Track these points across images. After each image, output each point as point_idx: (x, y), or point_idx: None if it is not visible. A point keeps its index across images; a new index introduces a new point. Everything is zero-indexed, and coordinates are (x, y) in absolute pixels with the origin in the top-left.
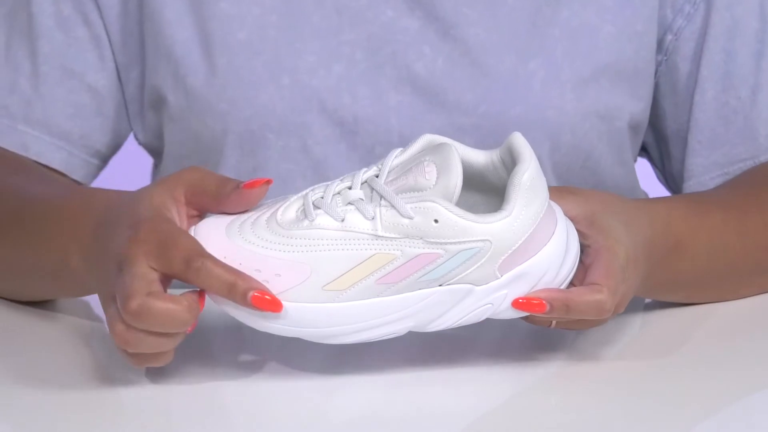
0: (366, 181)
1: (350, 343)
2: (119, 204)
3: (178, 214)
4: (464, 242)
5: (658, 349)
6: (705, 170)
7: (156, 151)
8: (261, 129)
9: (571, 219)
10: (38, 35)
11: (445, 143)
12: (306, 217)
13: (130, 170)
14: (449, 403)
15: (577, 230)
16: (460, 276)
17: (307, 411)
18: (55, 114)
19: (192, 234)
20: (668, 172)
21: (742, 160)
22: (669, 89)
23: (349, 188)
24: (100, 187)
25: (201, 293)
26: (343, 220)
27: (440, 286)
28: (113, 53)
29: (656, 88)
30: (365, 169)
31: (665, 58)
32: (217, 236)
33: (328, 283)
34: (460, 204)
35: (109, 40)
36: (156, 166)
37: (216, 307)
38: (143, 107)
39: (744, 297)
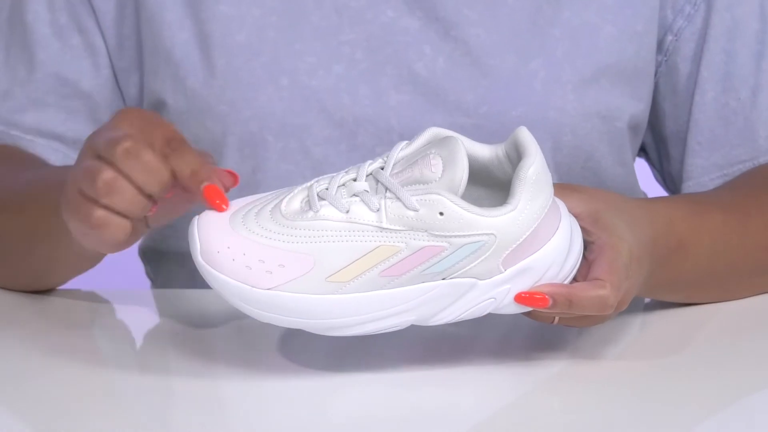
0: (371, 174)
1: (353, 335)
2: None
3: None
4: (469, 235)
5: (659, 349)
6: (704, 171)
7: None
8: (260, 130)
9: (575, 216)
10: (34, 43)
11: (451, 136)
12: (310, 208)
13: None
14: (449, 402)
15: (581, 227)
16: (464, 270)
17: (307, 410)
18: (47, 119)
19: (195, 224)
20: (667, 173)
21: (741, 162)
22: (669, 90)
23: (354, 180)
24: None
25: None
26: (347, 212)
27: (444, 279)
28: (110, 59)
29: (656, 88)
30: (370, 162)
31: (665, 58)
32: (220, 226)
33: (331, 275)
34: (465, 198)
35: (106, 47)
36: None
37: (216, 306)
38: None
39: (744, 297)
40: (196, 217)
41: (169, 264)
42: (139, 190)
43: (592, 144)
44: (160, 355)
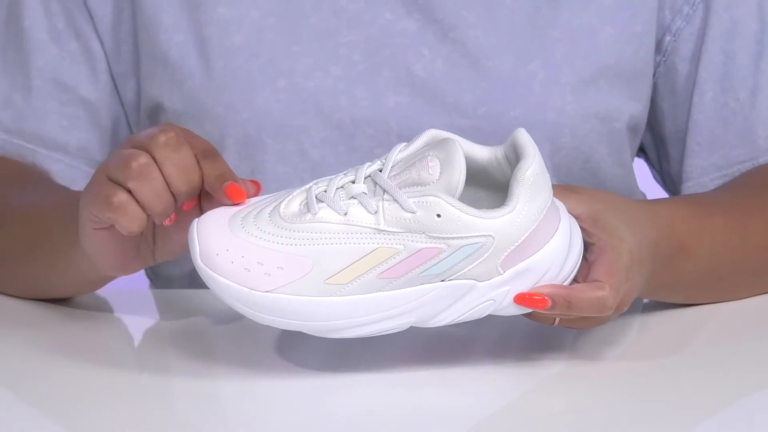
0: (369, 176)
1: (352, 337)
2: None
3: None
4: (467, 237)
5: (658, 349)
6: (704, 172)
7: None
8: (258, 132)
9: (575, 217)
10: (32, 49)
11: (449, 138)
12: (309, 210)
13: None
14: (449, 402)
15: (581, 228)
16: (463, 271)
17: (307, 410)
18: (49, 127)
19: (195, 226)
20: (666, 173)
21: (740, 162)
22: (667, 90)
23: (353, 182)
24: None
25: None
26: (345, 214)
27: (442, 281)
28: (108, 64)
29: (655, 89)
30: (369, 164)
31: (664, 59)
32: (219, 229)
33: (330, 277)
34: (463, 199)
35: (104, 51)
36: None
37: (216, 306)
38: (142, 115)
39: (744, 298)
40: (196, 219)
41: (169, 265)
42: (168, 185)
43: (590, 145)
44: (160, 355)
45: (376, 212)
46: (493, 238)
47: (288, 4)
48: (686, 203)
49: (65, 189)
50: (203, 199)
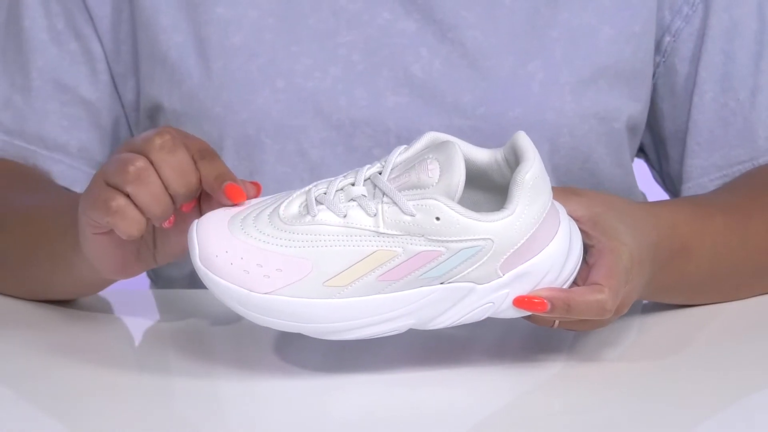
0: (369, 178)
1: (350, 339)
2: None
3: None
4: (466, 240)
5: (657, 350)
6: (704, 172)
7: None
8: (257, 133)
9: (575, 219)
10: (32, 49)
11: (449, 141)
12: (308, 212)
13: None
14: (448, 403)
15: (581, 231)
16: (462, 274)
17: (306, 410)
18: (49, 128)
19: (194, 228)
20: (666, 174)
21: (740, 162)
22: (667, 91)
23: (352, 185)
24: None
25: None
26: (345, 216)
27: (441, 284)
28: (108, 64)
29: (654, 89)
30: (369, 166)
31: (663, 59)
32: (219, 230)
33: (329, 279)
34: (463, 202)
35: (104, 52)
36: None
37: (216, 307)
38: (141, 116)
39: (744, 298)
40: (195, 221)
41: (170, 267)
42: (166, 188)
43: (590, 145)
44: (160, 355)
45: (375, 215)
46: (493, 242)
47: (287, 4)
48: (687, 205)
49: (66, 191)
50: (203, 200)
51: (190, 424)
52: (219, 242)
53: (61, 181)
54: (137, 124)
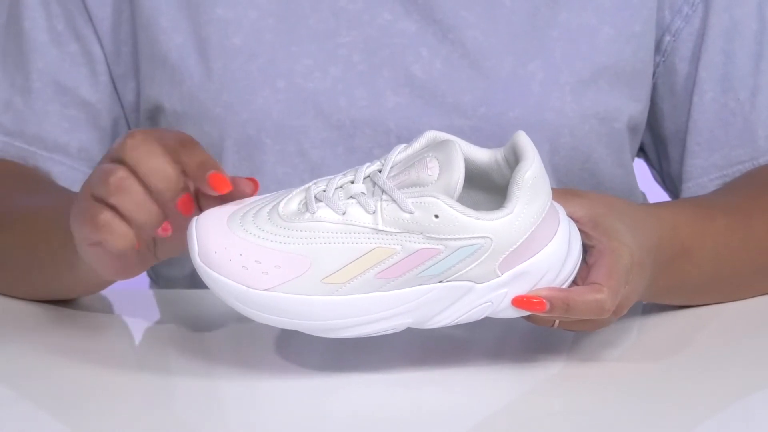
0: (368, 176)
1: (348, 337)
2: None
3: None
4: (464, 238)
5: (658, 350)
6: (704, 172)
7: None
8: (257, 133)
9: (576, 221)
10: (31, 50)
11: (449, 139)
12: (307, 209)
13: None
14: (448, 403)
15: (582, 232)
16: (461, 273)
17: (306, 410)
18: (50, 129)
19: (193, 225)
20: (666, 173)
21: (741, 162)
22: (667, 91)
23: (352, 182)
24: None
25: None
26: (344, 214)
27: (440, 282)
28: (108, 66)
29: (654, 89)
30: (368, 164)
31: (663, 59)
32: (218, 227)
33: (327, 276)
34: (463, 201)
35: (104, 53)
36: None
37: (216, 306)
38: (141, 117)
39: (745, 298)
40: (195, 218)
41: (170, 267)
42: (149, 193)
43: (590, 145)
44: (160, 355)
45: (374, 212)
46: (491, 240)
47: (287, 4)
48: (688, 206)
49: (67, 191)
50: (201, 198)
51: (190, 424)
52: (218, 239)
53: (62, 182)
54: (137, 125)
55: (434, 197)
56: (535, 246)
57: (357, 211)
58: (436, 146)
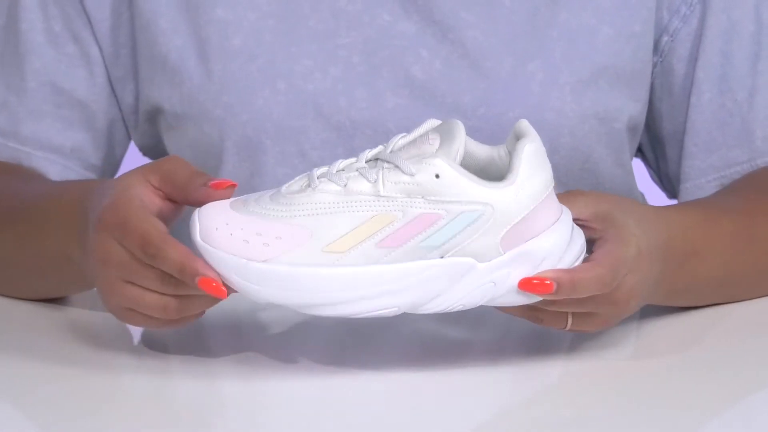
0: (371, 158)
1: (346, 314)
2: (98, 189)
3: (144, 196)
4: (465, 203)
5: (657, 351)
6: (701, 173)
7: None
8: (257, 134)
9: (584, 220)
10: (28, 51)
11: (451, 119)
12: (309, 186)
13: None
14: (447, 403)
15: (589, 227)
16: (462, 246)
17: (306, 410)
18: (44, 129)
19: (196, 213)
20: (663, 173)
21: (738, 164)
22: (665, 91)
23: (355, 162)
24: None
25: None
26: (345, 186)
27: (441, 258)
28: (105, 68)
29: (651, 89)
30: (370, 149)
31: (661, 59)
32: (220, 208)
33: (327, 245)
34: None
35: (102, 55)
36: None
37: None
38: (140, 118)
39: (749, 300)
40: (198, 209)
41: None
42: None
43: (590, 145)
44: (160, 355)
45: (375, 181)
46: (493, 209)
47: (286, 5)
48: (695, 209)
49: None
50: None
51: (190, 423)
52: (219, 216)
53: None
54: (136, 126)
55: (435, 157)
56: (537, 227)
57: (358, 182)
58: (438, 127)
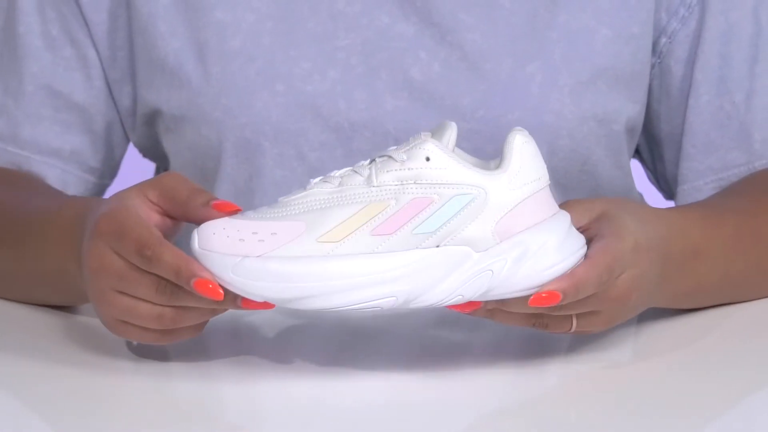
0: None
1: (341, 306)
2: (96, 204)
3: (141, 210)
4: (457, 185)
5: (656, 352)
6: (699, 175)
7: (160, 162)
8: (256, 136)
9: (584, 225)
10: (25, 55)
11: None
12: (304, 190)
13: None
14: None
15: (588, 229)
16: (456, 233)
17: (306, 411)
18: (43, 133)
19: (195, 231)
20: (660, 174)
21: (736, 166)
22: (663, 92)
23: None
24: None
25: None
26: (339, 184)
27: (437, 247)
28: (103, 70)
29: (649, 91)
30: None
31: (659, 60)
32: (219, 219)
33: (321, 235)
34: None
35: (99, 58)
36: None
37: None
38: (138, 121)
39: (751, 300)
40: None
41: None
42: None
43: (588, 147)
44: (160, 355)
45: (369, 174)
46: (486, 193)
47: (285, 7)
48: (697, 209)
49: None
50: None
51: (190, 423)
52: (217, 224)
53: (54, 185)
54: (134, 129)
55: (425, 141)
56: (531, 219)
57: (352, 177)
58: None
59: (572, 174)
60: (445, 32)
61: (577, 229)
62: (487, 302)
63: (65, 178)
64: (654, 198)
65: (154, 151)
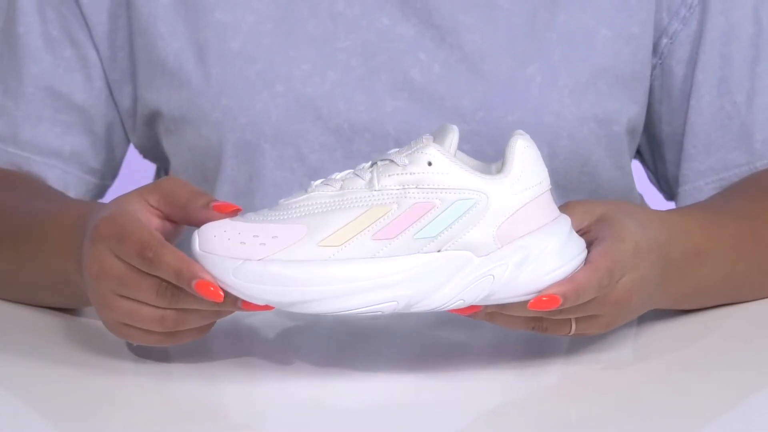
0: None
1: (342, 310)
2: (96, 208)
3: (141, 214)
4: (459, 190)
5: (656, 353)
6: (700, 175)
7: (160, 163)
8: (256, 138)
9: (584, 227)
10: (26, 56)
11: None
12: (306, 193)
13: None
14: (447, 404)
15: (588, 231)
16: (458, 238)
17: (306, 411)
18: (43, 134)
19: (196, 232)
20: (661, 175)
21: (737, 166)
22: (664, 93)
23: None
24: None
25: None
26: (341, 187)
27: (438, 252)
28: (103, 71)
29: (650, 91)
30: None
31: (660, 61)
32: (220, 222)
33: (323, 239)
34: None
35: (99, 59)
36: (158, 175)
37: None
38: (138, 122)
39: (752, 300)
40: (197, 230)
41: None
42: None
43: (589, 148)
44: (160, 355)
45: (370, 178)
46: (487, 198)
47: (285, 9)
48: (698, 211)
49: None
50: None
51: (190, 423)
52: (218, 226)
53: (55, 185)
54: (134, 130)
55: (427, 145)
56: (532, 224)
57: (353, 181)
58: (433, 132)
59: (572, 175)
60: (444, 34)
61: (577, 231)
62: (486, 305)
63: (66, 179)
64: (655, 199)
65: (154, 152)
